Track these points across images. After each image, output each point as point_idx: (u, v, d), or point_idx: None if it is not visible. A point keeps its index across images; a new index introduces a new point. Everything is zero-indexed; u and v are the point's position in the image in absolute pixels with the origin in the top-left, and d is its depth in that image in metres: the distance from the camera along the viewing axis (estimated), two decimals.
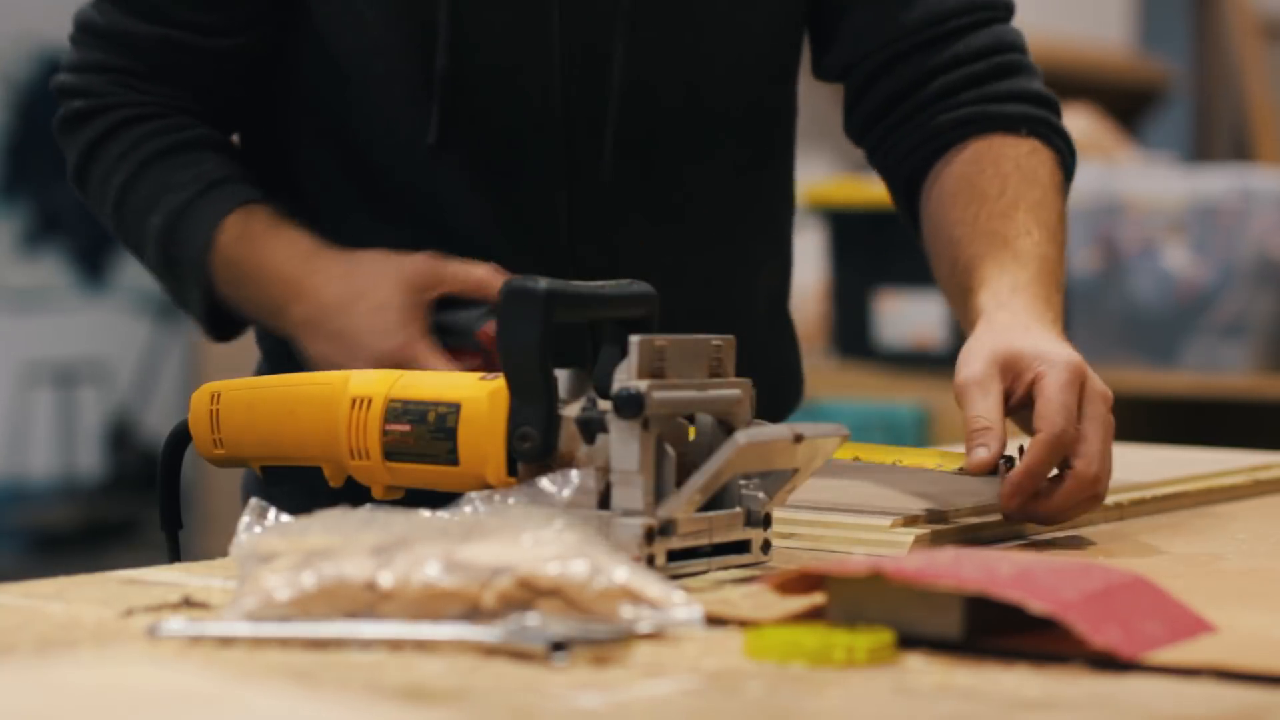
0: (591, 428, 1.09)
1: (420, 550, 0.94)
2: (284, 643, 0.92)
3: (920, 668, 0.89)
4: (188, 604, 1.02)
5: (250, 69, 1.56)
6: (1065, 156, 1.53)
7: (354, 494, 1.18)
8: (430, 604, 0.93)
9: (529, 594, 0.93)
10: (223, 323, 1.53)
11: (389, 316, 1.41)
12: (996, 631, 0.92)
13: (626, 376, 1.08)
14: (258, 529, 1.00)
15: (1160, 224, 3.31)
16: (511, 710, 0.80)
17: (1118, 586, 0.95)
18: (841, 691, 0.85)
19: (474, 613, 0.93)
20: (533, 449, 1.10)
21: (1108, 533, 1.31)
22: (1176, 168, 3.74)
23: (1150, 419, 3.33)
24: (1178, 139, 5.04)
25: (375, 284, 1.43)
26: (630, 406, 1.06)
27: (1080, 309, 3.36)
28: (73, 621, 0.97)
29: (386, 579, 0.94)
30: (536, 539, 0.95)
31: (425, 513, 1.01)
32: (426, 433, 1.14)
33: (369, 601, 0.94)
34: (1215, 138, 5.02)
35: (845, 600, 0.95)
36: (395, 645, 0.91)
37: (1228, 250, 3.27)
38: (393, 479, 1.17)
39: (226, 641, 0.92)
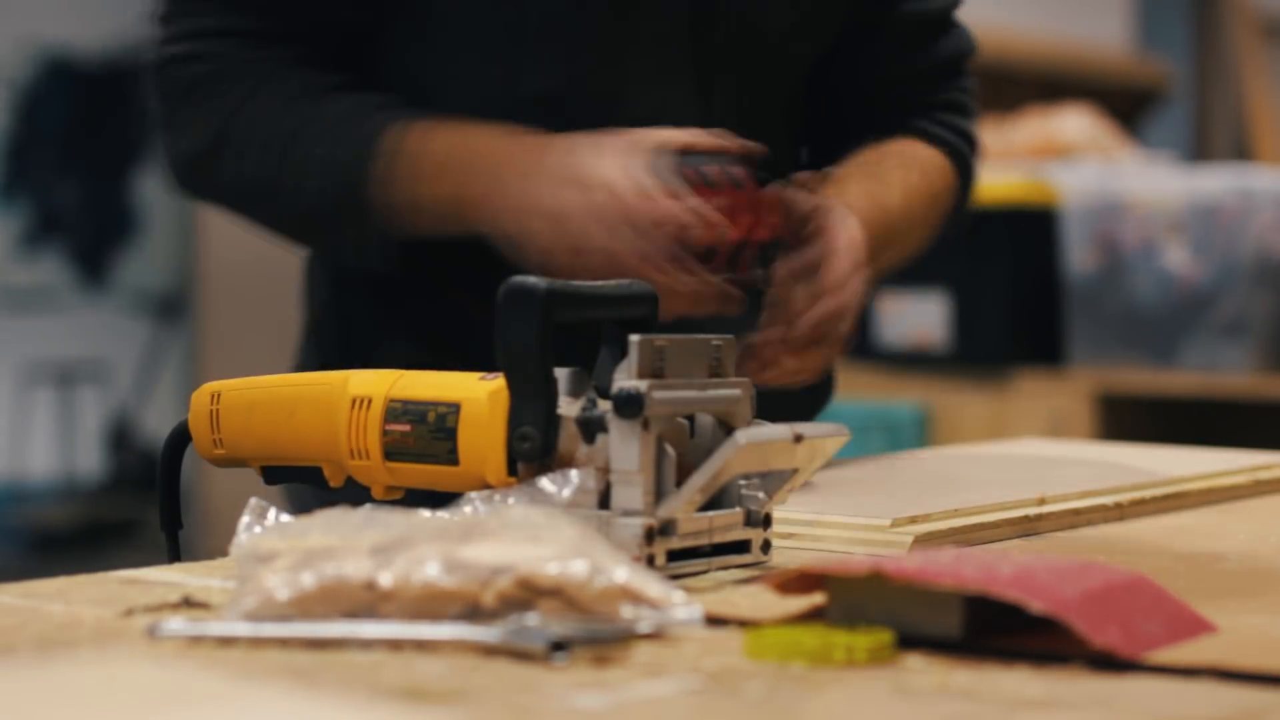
0: (591, 428, 1.08)
1: (420, 550, 0.94)
2: (284, 643, 0.92)
3: (920, 668, 0.89)
4: (188, 604, 1.02)
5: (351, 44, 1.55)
6: (965, 180, 1.71)
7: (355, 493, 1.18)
8: (430, 604, 0.93)
9: (529, 594, 0.93)
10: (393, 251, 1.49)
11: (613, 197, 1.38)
12: (996, 631, 0.92)
13: (626, 376, 1.08)
14: (258, 529, 1.00)
15: (1160, 223, 3.31)
16: (511, 710, 0.80)
17: (1118, 586, 0.95)
18: (841, 691, 0.85)
19: (474, 613, 0.93)
20: (533, 449, 1.10)
21: (1108, 533, 1.31)
22: (1176, 167, 3.74)
23: (1150, 419, 3.33)
24: (1178, 139, 5.04)
25: (595, 163, 1.39)
26: (630, 406, 1.06)
27: (1080, 309, 3.36)
28: (73, 621, 0.97)
29: (386, 579, 0.94)
30: (536, 539, 0.95)
31: (425, 513, 1.01)
32: (426, 433, 1.14)
33: (369, 601, 0.94)
34: (1215, 138, 5.02)
35: (845, 600, 0.95)
36: (395, 645, 0.91)
37: (1228, 250, 3.27)
38: (393, 479, 1.17)
39: (226, 641, 0.92)
